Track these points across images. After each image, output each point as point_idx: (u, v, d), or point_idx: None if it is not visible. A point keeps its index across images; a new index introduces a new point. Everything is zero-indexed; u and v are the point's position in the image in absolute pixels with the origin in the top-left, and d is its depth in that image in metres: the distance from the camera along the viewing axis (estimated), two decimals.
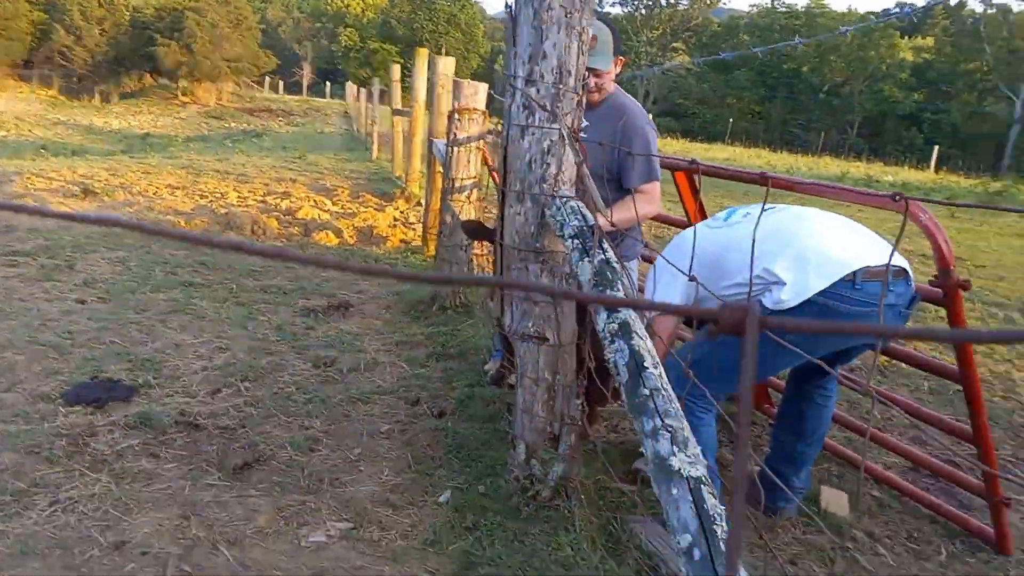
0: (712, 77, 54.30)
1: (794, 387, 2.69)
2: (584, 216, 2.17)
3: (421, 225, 7.79)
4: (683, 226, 3.24)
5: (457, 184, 4.73)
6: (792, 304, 2.08)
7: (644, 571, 2.25)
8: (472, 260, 4.88)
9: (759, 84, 53.79)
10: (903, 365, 3.91)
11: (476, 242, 4.94)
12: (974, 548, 2.60)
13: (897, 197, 1.82)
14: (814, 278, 2.05)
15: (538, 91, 2.35)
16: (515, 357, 3.03)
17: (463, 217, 4.78)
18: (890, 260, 1.47)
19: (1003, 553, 2.51)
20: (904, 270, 2.21)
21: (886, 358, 2.95)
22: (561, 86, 2.35)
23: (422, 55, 9.41)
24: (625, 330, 1.60)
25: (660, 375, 1.47)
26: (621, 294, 1.76)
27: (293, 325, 4.43)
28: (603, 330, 1.66)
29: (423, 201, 8.93)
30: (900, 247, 2.12)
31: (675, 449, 1.28)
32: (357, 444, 3.07)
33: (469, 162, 4.71)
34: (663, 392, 1.41)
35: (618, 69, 3.08)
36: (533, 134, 2.38)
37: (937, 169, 30.26)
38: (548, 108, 2.33)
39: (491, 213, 5.06)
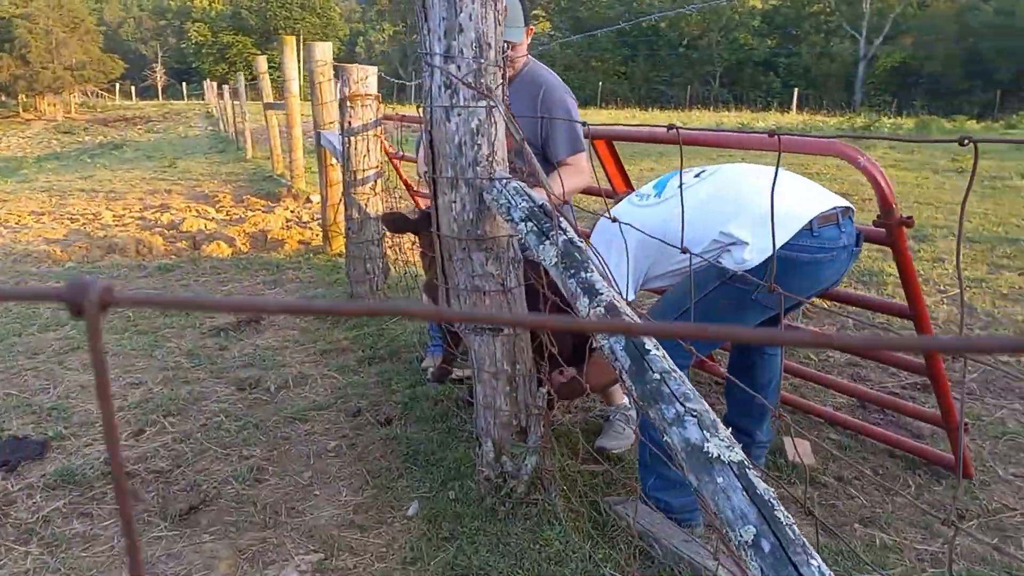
0: (575, 42, 54.82)
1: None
2: (531, 196, 2.04)
3: (318, 223, 7.49)
4: (609, 196, 3.16)
5: (359, 176, 4.51)
6: (757, 262, 2.03)
7: (636, 553, 2.18)
8: (386, 254, 4.68)
9: (620, 44, 54.71)
10: (825, 305, 3.99)
11: (391, 235, 4.75)
12: (938, 476, 2.66)
13: (771, 135, 1.79)
14: (777, 232, 2.01)
15: (459, 68, 2.20)
16: (459, 351, 2.90)
17: (371, 210, 4.58)
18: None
19: (965, 477, 2.57)
20: (849, 208, 2.20)
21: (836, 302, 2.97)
22: (482, 60, 2.20)
23: (289, 43, 9.02)
24: (613, 311, 1.50)
25: (664, 356, 1.37)
26: (596, 275, 1.65)
27: (205, 347, 4.13)
28: (587, 315, 1.55)
29: (313, 198, 8.61)
30: (835, 191, 2.10)
31: (707, 434, 1.19)
32: (305, 467, 2.87)
33: (369, 151, 4.50)
34: (674, 374, 1.32)
35: (528, 40, 2.95)
36: (459, 115, 2.23)
37: (799, 110, 31.62)
38: (472, 85, 2.19)
39: (399, 203, 4.87)
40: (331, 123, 6.03)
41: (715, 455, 1.15)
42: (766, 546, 1.03)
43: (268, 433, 3.13)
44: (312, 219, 7.77)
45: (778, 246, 2.01)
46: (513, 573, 2.13)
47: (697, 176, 2.24)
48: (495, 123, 2.26)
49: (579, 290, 1.60)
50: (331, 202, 6.13)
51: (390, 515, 2.54)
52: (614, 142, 3.21)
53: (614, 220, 2.00)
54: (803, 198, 2.10)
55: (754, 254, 2.01)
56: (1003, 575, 2.10)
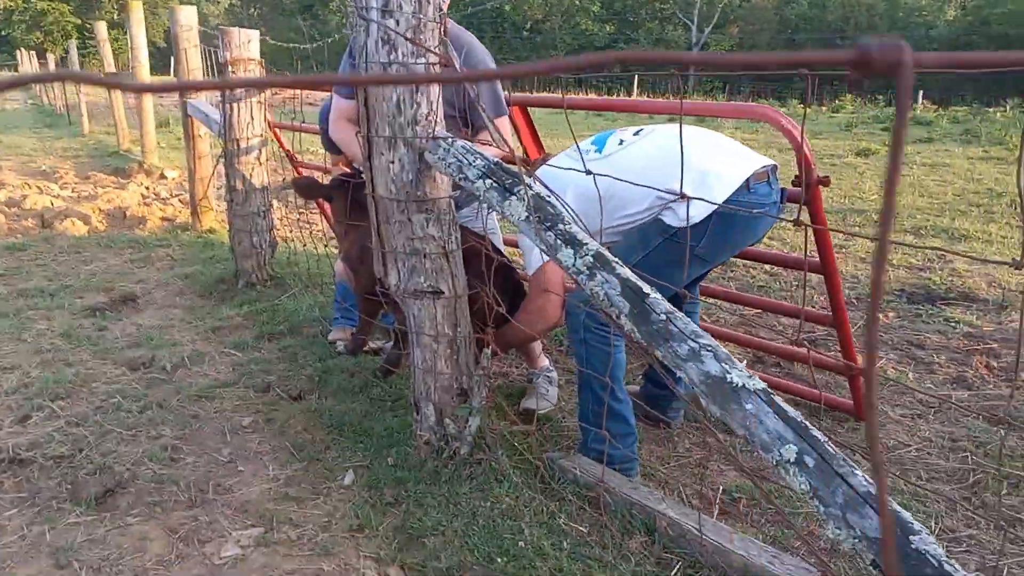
0: None
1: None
2: (482, 153, 2.05)
3: (179, 199, 7.09)
4: (525, 164, 3.19)
5: (243, 145, 4.31)
6: (701, 218, 2.13)
7: (586, 506, 2.24)
8: (274, 228, 4.51)
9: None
10: None
11: (274, 206, 4.57)
12: (839, 420, 2.89)
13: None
14: (719, 190, 2.11)
15: (397, 23, 2.16)
16: (377, 321, 2.84)
17: (256, 181, 4.39)
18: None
19: (861, 420, 2.82)
20: (776, 166, 2.35)
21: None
22: (421, 16, 2.17)
23: (136, 8, 8.44)
24: (603, 260, 1.54)
25: (661, 298, 1.43)
26: (575, 226, 1.68)
27: (81, 328, 3.84)
28: (574, 266, 1.58)
29: (169, 173, 8.14)
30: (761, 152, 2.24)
31: (726, 366, 1.25)
32: (222, 444, 2.75)
33: (253, 119, 4.30)
34: (676, 314, 1.38)
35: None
36: (398, 71, 2.19)
37: (640, 94, 32.85)
38: (415, 40, 2.15)
39: (280, 174, 4.69)
40: (196, 92, 5.70)
41: (739, 384, 1.21)
42: (810, 462, 1.10)
43: (174, 412, 2.96)
44: (172, 195, 7.33)
45: (722, 201, 2.12)
46: (468, 530, 2.15)
47: (636, 135, 2.32)
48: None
49: (559, 242, 1.63)
50: (199, 175, 5.81)
51: (325, 486, 2.48)
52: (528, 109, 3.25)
53: (568, 171, 2.03)
54: (739, 155, 2.22)
55: (697, 209, 2.11)
56: (914, 502, 2.33)
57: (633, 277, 1.46)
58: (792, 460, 1.12)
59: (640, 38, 55.35)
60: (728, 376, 1.23)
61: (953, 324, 3.82)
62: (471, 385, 2.43)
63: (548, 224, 1.70)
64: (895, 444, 2.70)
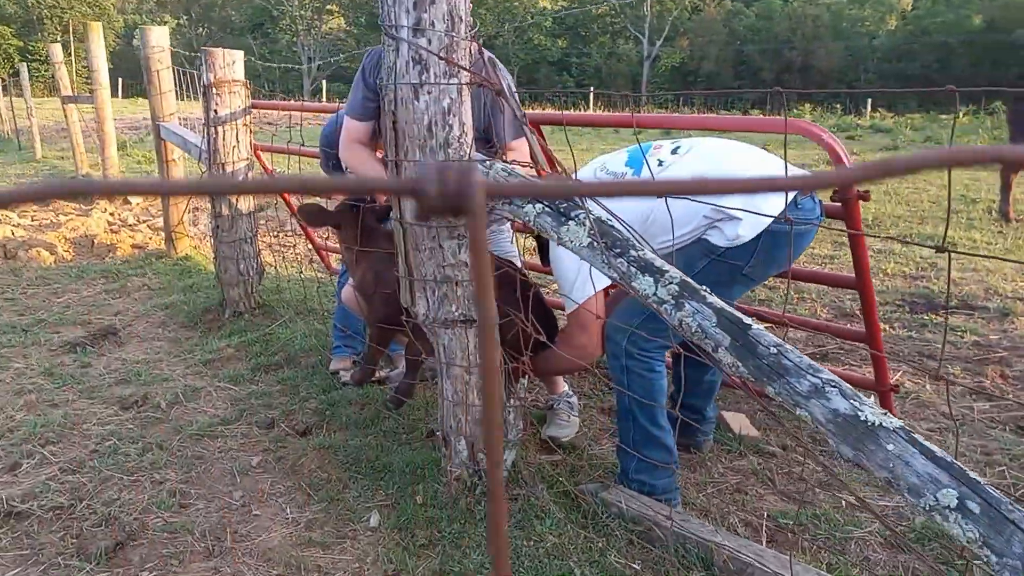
0: (374, 39, 54.12)
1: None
2: (526, 177, 1.95)
3: (148, 225, 6.86)
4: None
5: (228, 169, 4.15)
6: (750, 237, 2.06)
7: (635, 540, 2.14)
8: (260, 253, 4.34)
9: None
10: None
11: (259, 234, 4.41)
12: None
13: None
14: (767, 208, 2.04)
15: (429, 42, 2.06)
16: (420, 348, 2.71)
17: (242, 206, 4.23)
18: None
19: None
20: None
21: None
22: (454, 34, 2.08)
23: (96, 29, 8.20)
24: (690, 289, 1.45)
25: (764, 329, 1.34)
26: (648, 252, 1.59)
27: (63, 365, 3.63)
28: (655, 295, 1.48)
29: (133, 199, 7.87)
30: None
31: (855, 403, 1.17)
32: (232, 486, 2.59)
33: (239, 142, 4.15)
34: (786, 346, 1.29)
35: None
36: (430, 92, 2.09)
37: (595, 108, 33.04)
38: (450, 60, 2.05)
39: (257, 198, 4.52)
40: (171, 115, 5.52)
41: (876, 423, 1.13)
42: (975, 507, 1.02)
43: (176, 454, 2.79)
44: (139, 220, 7.09)
45: (772, 220, 2.05)
46: (514, 573, 2.03)
47: (675, 152, 2.24)
48: (464, 102, 2.13)
49: (633, 269, 1.54)
50: (174, 201, 5.61)
51: (350, 528, 2.34)
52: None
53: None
54: (783, 170, 2.16)
55: (747, 229, 2.03)
56: None
57: (728, 307, 1.38)
58: (953, 506, 1.03)
59: (592, 52, 55.84)
60: (860, 414, 1.15)
61: (960, 333, 3.81)
62: (506, 417, 2.31)
63: (618, 251, 1.60)
64: None
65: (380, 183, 0.36)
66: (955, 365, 3.45)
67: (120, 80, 36.19)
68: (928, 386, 3.25)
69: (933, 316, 4.06)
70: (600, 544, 2.11)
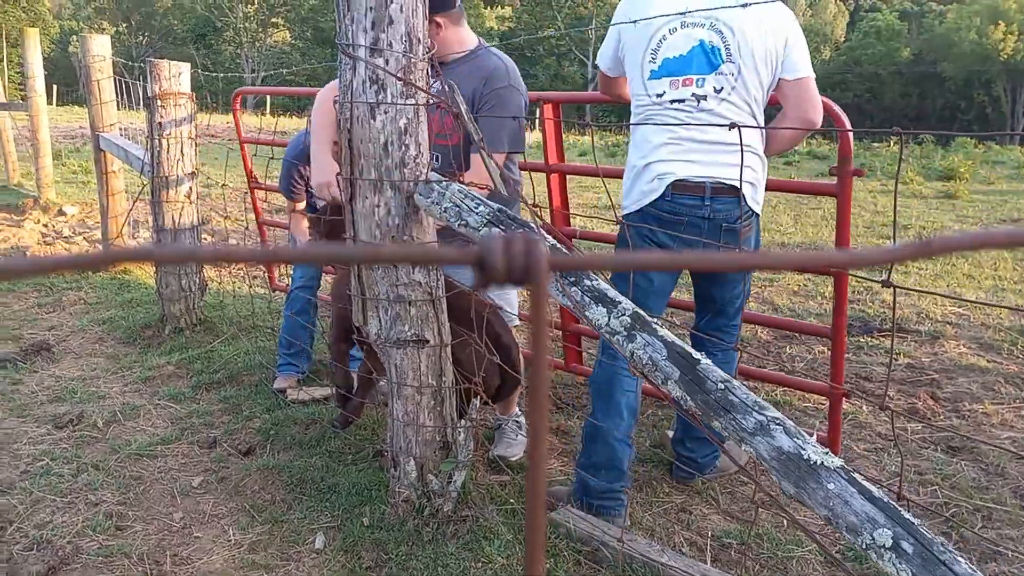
0: (318, 52, 53.71)
1: (692, 342, 2.73)
2: (483, 199, 1.96)
3: (84, 238, 6.67)
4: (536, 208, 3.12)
5: (172, 181, 4.07)
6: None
7: (583, 560, 2.16)
8: (202, 267, 4.26)
9: None
10: None
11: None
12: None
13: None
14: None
15: (387, 62, 2.06)
16: (367, 367, 2.68)
17: (186, 220, 4.14)
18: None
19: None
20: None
21: None
22: (411, 56, 2.09)
23: (32, 35, 8.00)
24: (641, 321, 1.47)
25: (712, 364, 1.38)
26: (601, 281, 1.61)
27: None
28: (607, 326, 1.51)
29: (68, 209, 7.67)
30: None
31: (798, 441, 1.20)
32: (172, 508, 2.53)
33: (183, 154, 4.08)
34: (733, 382, 1.32)
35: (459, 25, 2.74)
36: (387, 112, 2.09)
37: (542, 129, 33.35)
38: (408, 81, 2.06)
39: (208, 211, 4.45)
40: (111, 125, 5.39)
41: (817, 461, 1.16)
42: (908, 548, 1.05)
43: (114, 474, 2.71)
44: (75, 233, 6.88)
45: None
46: None
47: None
48: (421, 122, 2.14)
49: (587, 299, 1.56)
50: (112, 213, 5.47)
51: (295, 550, 2.30)
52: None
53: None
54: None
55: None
56: None
57: (678, 340, 1.41)
58: (888, 545, 1.07)
59: (539, 74, 56.42)
60: (803, 452, 1.18)
61: (894, 355, 3.94)
62: (455, 438, 2.31)
63: (571, 279, 1.62)
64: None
65: (446, 255, 0.36)
66: (891, 388, 3.56)
67: (55, 87, 35.13)
68: (864, 407, 3.35)
69: (869, 339, 4.20)
70: (548, 565, 2.12)
